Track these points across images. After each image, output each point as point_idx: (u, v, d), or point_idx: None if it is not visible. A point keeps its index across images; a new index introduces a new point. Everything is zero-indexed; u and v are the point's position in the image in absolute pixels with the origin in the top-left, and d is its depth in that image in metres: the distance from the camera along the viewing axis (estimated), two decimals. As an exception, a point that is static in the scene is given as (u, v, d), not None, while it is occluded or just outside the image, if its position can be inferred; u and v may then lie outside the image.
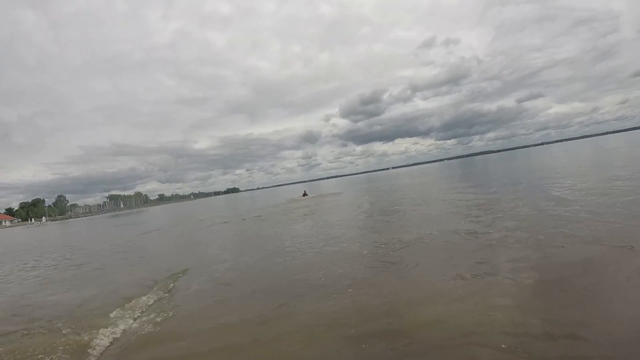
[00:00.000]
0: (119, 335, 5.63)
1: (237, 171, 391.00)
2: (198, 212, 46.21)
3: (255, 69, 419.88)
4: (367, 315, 5.24)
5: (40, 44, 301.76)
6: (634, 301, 4.60)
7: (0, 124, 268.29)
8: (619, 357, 3.49)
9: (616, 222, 8.33)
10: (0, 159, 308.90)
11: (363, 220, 15.34)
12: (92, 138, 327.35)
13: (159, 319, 6.14)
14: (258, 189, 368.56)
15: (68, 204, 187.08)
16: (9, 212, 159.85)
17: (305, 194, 42.55)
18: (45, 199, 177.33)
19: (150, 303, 7.18)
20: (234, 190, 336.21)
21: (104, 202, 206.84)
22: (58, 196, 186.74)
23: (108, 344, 5.36)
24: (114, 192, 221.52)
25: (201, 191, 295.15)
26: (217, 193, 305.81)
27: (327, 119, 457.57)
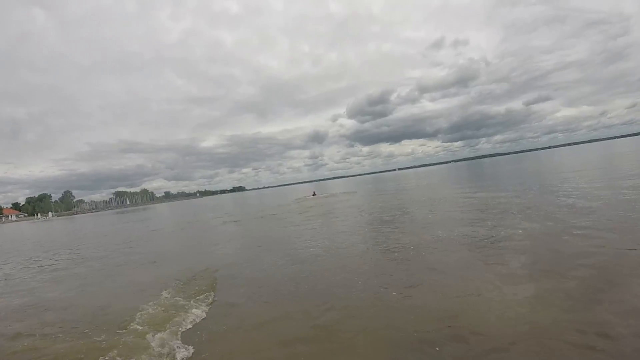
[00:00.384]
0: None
1: (244, 170, 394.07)
2: (207, 210, 46.25)
3: (264, 67, 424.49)
4: (423, 318, 5.06)
5: (50, 44, 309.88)
6: None
7: (11, 122, 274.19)
8: None
9: None
10: (10, 155, 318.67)
11: (387, 221, 14.92)
12: (100, 136, 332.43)
13: (205, 335, 5.59)
14: (264, 188, 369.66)
15: (74, 200, 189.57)
16: (16, 206, 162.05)
17: (314, 194, 43.28)
18: (52, 195, 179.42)
19: (200, 316, 6.33)
20: (240, 189, 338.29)
21: (110, 198, 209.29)
22: (64, 192, 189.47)
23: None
24: (120, 189, 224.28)
25: (207, 189, 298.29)
26: (223, 191, 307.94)
27: (334, 119, 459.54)
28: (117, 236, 24.28)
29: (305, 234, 13.83)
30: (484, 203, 15.88)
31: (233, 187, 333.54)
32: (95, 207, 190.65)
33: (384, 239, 11.02)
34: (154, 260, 12.45)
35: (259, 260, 10.18)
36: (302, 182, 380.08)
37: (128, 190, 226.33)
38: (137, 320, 6.05)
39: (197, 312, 6.31)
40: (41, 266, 13.85)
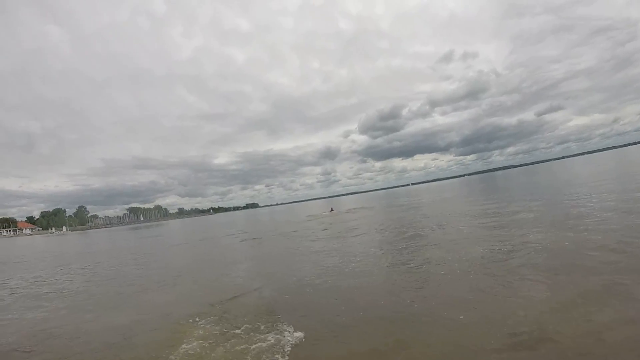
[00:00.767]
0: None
1: (257, 187, 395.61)
2: (222, 227, 46.04)
3: (275, 84, 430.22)
4: (498, 330, 5.10)
5: (64, 59, 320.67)
6: None
7: (25, 135, 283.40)
8: None
9: None
10: (24, 169, 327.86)
11: (418, 235, 14.26)
12: (113, 151, 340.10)
13: None
14: (277, 204, 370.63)
15: (88, 215, 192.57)
16: (30, 220, 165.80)
17: (332, 210, 43.51)
18: (66, 209, 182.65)
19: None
20: (253, 205, 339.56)
21: (124, 214, 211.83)
22: (79, 207, 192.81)
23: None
24: (134, 205, 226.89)
25: (220, 206, 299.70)
26: (236, 208, 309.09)
27: (346, 135, 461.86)
28: (134, 252, 24.17)
29: (336, 252, 13.24)
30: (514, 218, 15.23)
31: (246, 204, 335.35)
32: (109, 222, 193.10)
33: (421, 256, 10.39)
34: (174, 281, 12.18)
35: (298, 282, 9.68)
36: (315, 199, 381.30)
37: (142, 206, 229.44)
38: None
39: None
40: (51, 283, 13.71)
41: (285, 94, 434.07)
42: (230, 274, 11.94)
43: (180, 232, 49.92)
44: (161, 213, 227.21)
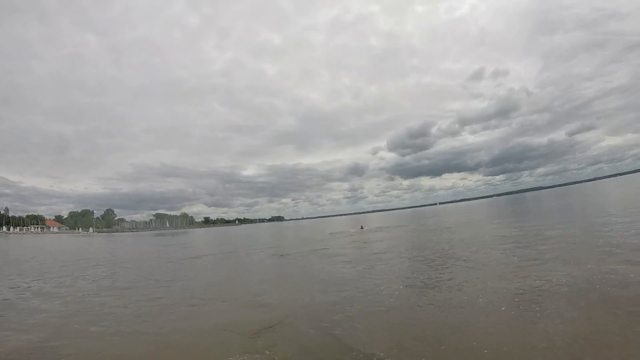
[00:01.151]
0: None
1: (283, 200, 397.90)
2: (248, 240, 45.15)
3: (305, 99, 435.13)
4: None
5: (101, 67, 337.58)
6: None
7: (59, 138, 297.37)
8: None
9: None
10: (57, 170, 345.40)
11: (460, 258, 12.50)
12: (144, 158, 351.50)
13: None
14: (303, 218, 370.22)
15: (115, 218, 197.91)
16: (58, 219, 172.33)
17: (362, 228, 42.14)
18: (94, 211, 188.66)
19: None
20: (279, 218, 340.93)
21: (151, 219, 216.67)
22: (107, 209, 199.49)
23: None
24: (160, 211, 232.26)
25: (246, 217, 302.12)
26: (262, 220, 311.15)
27: (374, 151, 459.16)
28: (158, 261, 23.33)
29: (377, 276, 11.50)
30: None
31: (272, 217, 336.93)
32: (135, 226, 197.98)
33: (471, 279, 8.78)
34: (203, 295, 10.92)
35: (334, 315, 8.23)
36: (341, 215, 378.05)
37: (168, 213, 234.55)
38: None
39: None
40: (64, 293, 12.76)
41: (315, 109, 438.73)
42: (261, 295, 10.58)
43: (205, 242, 49.53)
44: (187, 221, 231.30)
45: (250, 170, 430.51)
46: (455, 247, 17.27)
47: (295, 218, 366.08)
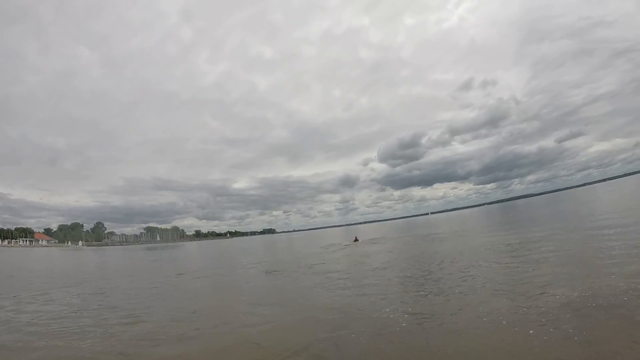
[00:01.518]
0: None
1: (275, 212, 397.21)
2: (240, 254, 44.20)
3: (297, 111, 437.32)
4: None
5: (94, 80, 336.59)
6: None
7: (50, 151, 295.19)
8: None
9: None
10: (48, 182, 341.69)
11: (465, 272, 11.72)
12: (136, 171, 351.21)
13: None
14: (294, 231, 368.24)
15: (105, 231, 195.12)
16: (47, 232, 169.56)
17: (356, 240, 41.43)
18: (84, 224, 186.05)
19: None
20: (271, 231, 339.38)
21: (141, 232, 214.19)
22: (96, 223, 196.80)
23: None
24: (151, 224, 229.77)
25: (237, 230, 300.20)
26: (253, 233, 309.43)
27: (365, 163, 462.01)
28: (146, 278, 22.28)
29: (382, 298, 10.65)
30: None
31: (263, 229, 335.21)
32: (125, 240, 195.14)
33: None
34: (190, 320, 10.02)
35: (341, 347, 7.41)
36: (332, 227, 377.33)
37: (159, 226, 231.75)
38: None
39: None
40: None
41: (307, 122, 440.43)
42: (256, 324, 9.70)
43: (194, 256, 48.41)
44: (178, 234, 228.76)
45: (241, 183, 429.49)
46: (458, 259, 16.51)
47: (286, 230, 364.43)
